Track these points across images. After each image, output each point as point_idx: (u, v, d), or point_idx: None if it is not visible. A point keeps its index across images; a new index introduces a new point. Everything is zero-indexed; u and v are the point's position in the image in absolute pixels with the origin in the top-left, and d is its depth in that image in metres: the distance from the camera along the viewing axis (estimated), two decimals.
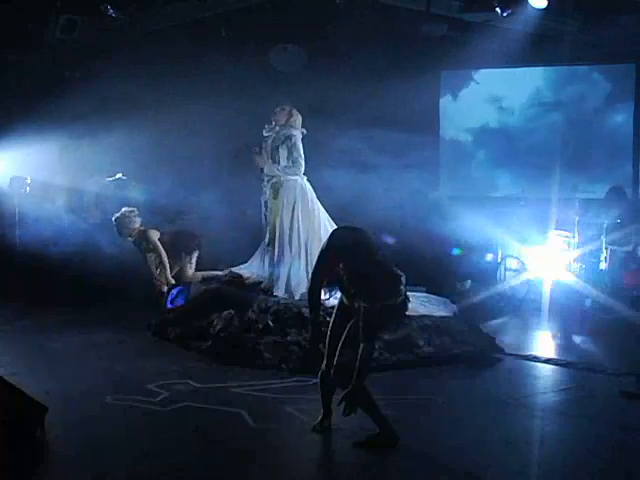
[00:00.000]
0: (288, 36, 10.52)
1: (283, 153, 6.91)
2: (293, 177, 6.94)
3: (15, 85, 10.15)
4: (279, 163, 6.92)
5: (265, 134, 7.04)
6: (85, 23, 9.82)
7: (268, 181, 7.00)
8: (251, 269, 7.29)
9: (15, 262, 9.30)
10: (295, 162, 6.90)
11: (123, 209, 8.21)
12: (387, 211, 9.27)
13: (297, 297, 6.71)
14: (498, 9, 9.43)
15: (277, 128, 6.99)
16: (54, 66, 10.64)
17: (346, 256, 4.32)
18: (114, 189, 9.84)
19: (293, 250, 6.88)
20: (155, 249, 8.11)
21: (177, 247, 8.29)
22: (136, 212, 8.22)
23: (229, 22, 10.34)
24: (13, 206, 9.93)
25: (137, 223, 8.18)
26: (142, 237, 8.17)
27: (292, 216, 6.89)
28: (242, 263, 7.57)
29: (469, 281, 9.31)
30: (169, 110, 9.75)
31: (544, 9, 9.37)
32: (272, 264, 6.96)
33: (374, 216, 8.28)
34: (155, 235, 8.17)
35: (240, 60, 9.72)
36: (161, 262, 8.10)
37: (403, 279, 4.28)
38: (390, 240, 7.95)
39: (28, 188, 10.16)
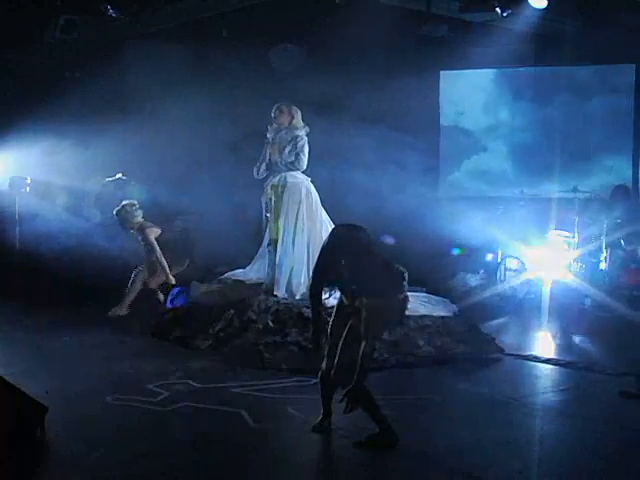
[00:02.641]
0: (288, 36, 10.52)
1: (287, 150, 6.93)
2: (297, 178, 6.96)
3: (15, 85, 10.13)
4: (284, 160, 6.96)
5: (269, 137, 7.03)
6: (85, 23, 9.82)
7: (270, 181, 7.01)
8: (249, 274, 7.28)
9: (15, 262, 9.30)
10: (297, 157, 6.91)
11: (124, 202, 8.25)
12: (384, 210, 9.25)
13: (297, 297, 6.72)
14: (498, 9, 9.45)
15: (282, 132, 7.00)
16: (54, 66, 10.63)
17: (347, 253, 4.32)
18: (114, 189, 9.82)
19: (296, 251, 6.87)
20: (151, 246, 8.13)
21: (172, 250, 8.30)
22: (137, 205, 8.26)
23: (230, 22, 10.35)
24: (13, 206, 9.93)
25: (139, 216, 8.25)
26: (140, 232, 8.20)
27: (297, 217, 6.90)
28: (243, 262, 7.58)
29: (477, 275, 9.28)
30: (169, 110, 9.75)
31: (544, 9, 9.38)
32: (273, 264, 6.96)
33: (371, 214, 8.27)
34: (153, 233, 8.18)
35: (240, 60, 9.72)
36: (158, 260, 8.10)
37: (406, 275, 4.29)
38: (390, 240, 7.94)
39: (28, 188, 10.15)
